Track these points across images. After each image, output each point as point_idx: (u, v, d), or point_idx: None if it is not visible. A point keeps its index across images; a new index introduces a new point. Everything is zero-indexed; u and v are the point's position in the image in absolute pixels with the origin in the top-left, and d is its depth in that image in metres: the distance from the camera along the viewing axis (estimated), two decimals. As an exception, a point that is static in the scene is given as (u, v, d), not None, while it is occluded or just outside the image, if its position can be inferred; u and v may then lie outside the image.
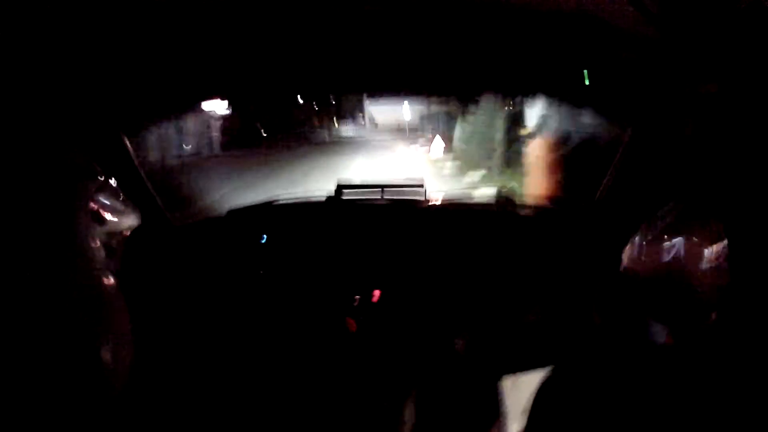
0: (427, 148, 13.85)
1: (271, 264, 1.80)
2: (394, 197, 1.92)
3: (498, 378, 1.10)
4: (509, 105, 8.62)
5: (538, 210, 1.91)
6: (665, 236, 0.80)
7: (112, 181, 0.96)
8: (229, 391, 1.60)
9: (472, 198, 2.02)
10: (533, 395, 0.70)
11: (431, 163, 12.05)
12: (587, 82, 1.30)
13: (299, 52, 1.31)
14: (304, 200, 2.00)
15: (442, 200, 1.95)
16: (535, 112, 8.10)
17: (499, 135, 9.06)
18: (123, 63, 1.19)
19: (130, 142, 1.45)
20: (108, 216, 0.92)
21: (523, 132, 8.22)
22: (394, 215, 1.87)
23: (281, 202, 2.00)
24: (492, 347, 1.58)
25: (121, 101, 1.35)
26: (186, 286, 1.72)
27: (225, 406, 1.57)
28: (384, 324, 1.75)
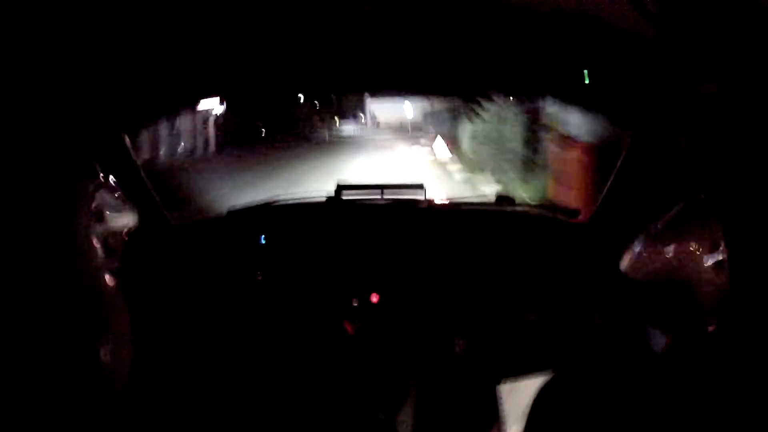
0: (429, 149, 13.67)
1: (270, 264, 1.80)
2: (394, 198, 1.92)
3: (497, 381, 1.10)
4: (516, 106, 8.38)
5: (538, 211, 1.90)
6: (665, 238, 0.80)
7: (112, 180, 0.96)
8: (229, 392, 1.61)
9: (471, 199, 2.02)
10: (532, 398, 0.70)
11: (435, 165, 11.88)
12: (587, 83, 1.30)
13: (299, 52, 1.31)
14: (303, 200, 2.00)
15: (442, 201, 1.95)
16: (536, 113, 8.07)
17: (505, 136, 8.83)
18: (123, 62, 1.19)
19: (129, 142, 1.45)
20: (108, 215, 0.92)
21: (527, 133, 8.15)
22: (393, 216, 1.87)
23: (281, 202, 2.00)
24: (492, 349, 1.58)
25: (121, 100, 1.35)
26: (185, 285, 1.72)
27: (224, 407, 1.57)
28: (383, 325, 1.74)
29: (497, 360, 1.29)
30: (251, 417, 1.59)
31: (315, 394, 1.63)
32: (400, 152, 14.70)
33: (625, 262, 0.88)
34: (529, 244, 1.73)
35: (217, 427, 1.55)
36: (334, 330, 1.71)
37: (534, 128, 8.01)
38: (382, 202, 1.91)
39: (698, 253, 0.70)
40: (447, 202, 1.96)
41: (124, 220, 0.99)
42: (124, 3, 0.98)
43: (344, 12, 1.09)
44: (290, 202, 1.99)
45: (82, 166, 0.92)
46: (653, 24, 0.98)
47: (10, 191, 0.77)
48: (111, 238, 0.90)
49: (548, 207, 1.94)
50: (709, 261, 0.68)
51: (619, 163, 1.46)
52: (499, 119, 9.18)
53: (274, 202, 1.99)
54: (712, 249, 0.68)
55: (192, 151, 13.78)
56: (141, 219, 1.07)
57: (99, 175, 0.94)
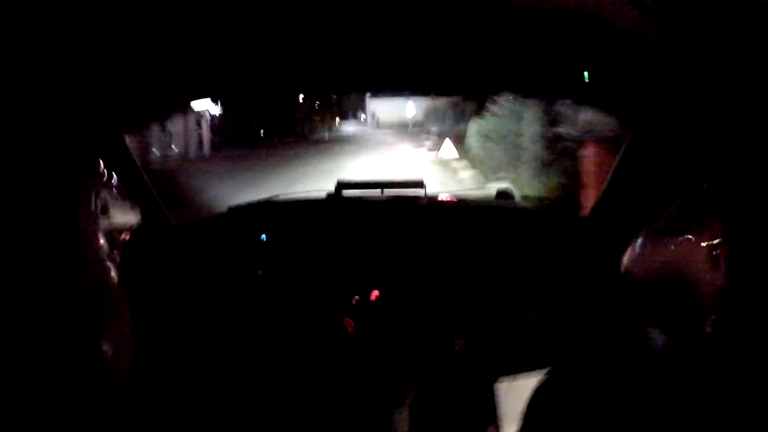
0: (436, 149, 13.16)
1: (270, 262, 1.81)
2: (394, 195, 1.92)
3: (496, 379, 1.10)
4: (527, 105, 7.94)
5: (538, 210, 1.91)
6: (665, 236, 0.80)
7: (114, 179, 0.96)
8: (228, 389, 1.61)
9: (471, 196, 2.02)
10: (530, 397, 0.70)
11: (442, 167, 11.45)
12: (587, 83, 1.30)
13: (299, 51, 1.31)
14: (303, 198, 2.00)
15: (442, 198, 1.95)
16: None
17: (521, 135, 8.29)
18: (123, 62, 1.19)
19: (130, 141, 1.45)
20: (110, 214, 0.92)
21: (532, 134, 7.99)
22: (393, 213, 1.87)
23: (281, 199, 2.00)
24: (491, 347, 1.58)
25: (121, 100, 1.35)
26: (186, 283, 1.72)
27: (224, 404, 1.57)
28: (383, 323, 1.75)
29: (496, 358, 1.29)
30: (251, 415, 1.59)
31: (314, 391, 1.63)
32: (404, 153, 14.34)
33: (625, 260, 0.88)
34: (529, 240, 1.73)
35: (217, 424, 1.56)
36: (334, 327, 1.71)
37: (539, 129, 7.90)
38: (382, 199, 1.91)
39: (697, 251, 0.70)
40: (447, 198, 1.96)
41: (126, 218, 0.99)
42: (124, 3, 0.98)
43: (344, 11, 1.09)
44: (290, 199, 2.00)
45: (84, 165, 0.92)
46: (653, 24, 0.98)
47: (13, 190, 0.77)
48: (113, 237, 0.91)
49: (549, 203, 1.94)
50: (708, 259, 0.68)
51: (618, 161, 1.47)
52: (513, 117, 8.62)
53: (275, 199, 1.99)
54: (712, 247, 0.68)
55: (191, 150, 13.74)
56: (142, 217, 1.08)
57: (101, 174, 0.94)
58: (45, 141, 0.92)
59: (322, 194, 1.94)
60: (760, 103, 0.88)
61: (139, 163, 1.51)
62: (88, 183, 0.90)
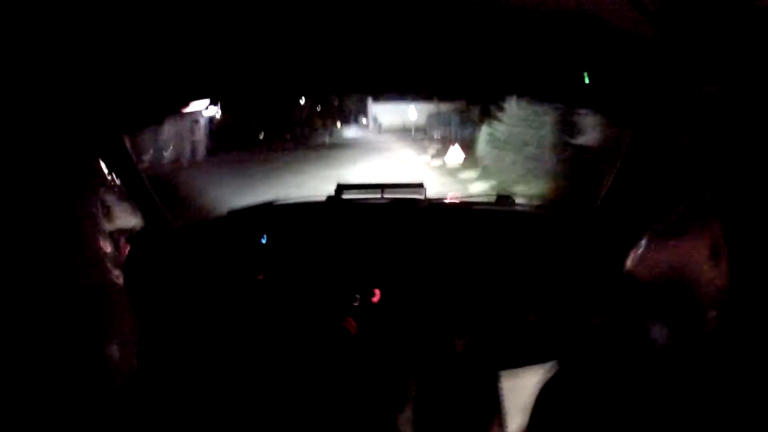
0: (442, 155, 12.57)
1: (271, 264, 1.80)
2: (394, 197, 1.92)
3: (498, 378, 1.10)
4: (541, 110, 7.62)
5: (539, 211, 1.91)
6: (667, 239, 0.80)
7: (115, 182, 0.96)
8: (231, 390, 1.60)
9: (471, 198, 2.03)
10: (533, 393, 0.70)
11: (448, 174, 10.82)
12: (587, 83, 1.30)
13: (300, 54, 1.31)
14: (304, 201, 2.00)
15: (442, 200, 1.95)
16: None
17: (534, 141, 7.95)
18: (123, 63, 1.19)
19: (130, 143, 1.45)
20: (112, 216, 0.92)
21: (549, 141, 7.83)
22: (394, 215, 1.87)
23: (281, 202, 2.00)
24: (492, 347, 1.57)
25: (121, 102, 1.35)
26: (186, 286, 1.72)
27: (226, 405, 1.57)
28: (384, 325, 1.74)
29: (498, 358, 1.29)
30: (253, 416, 1.59)
31: (317, 393, 1.63)
32: (406, 159, 13.79)
33: (628, 262, 0.88)
34: (529, 242, 1.72)
35: (220, 426, 1.55)
36: (336, 329, 1.71)
37: (539, 131, 7.79)
38: (383, 201, 1.92)
39: (698, 251, 0.70)
40: (447, 201, 1.96)
41: (127, 221, 0.99)
42: (125, 4, 0.99)
43: (345, 11, 1.10)
44: (291, 202, 2.00)
45: (85, 167, 0.92)
46: (653, 24, 0.98)
47: (15, 192, 0.77)
48: (114, 239, 0.91)
49: (548, 205, 1.94)
50: (709, 259, 0.68)
51: (619, 164, 1.46)
52: (528, 123, 8.12)
53: (275, 202, 2.00)
54: (713, 248, 0.68)
55: (191, 153, 13.71)
56: (143, 220, 1.08)
57: (102, 176, 0.94)
58: (46, 143, 0.92)
59: (322, 196, 1.95)
60: (760, 103, 0.88)
61: (139, 166, 1.51)
62: (90, 185, 0.91)
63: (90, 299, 0.82)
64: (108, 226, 0.91)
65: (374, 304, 1.75)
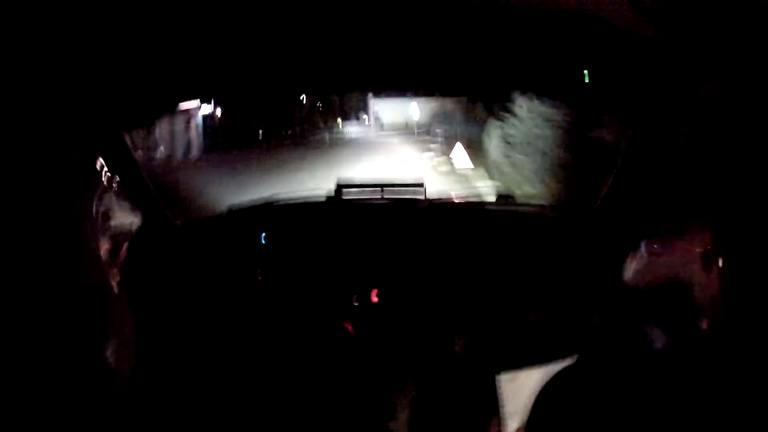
0: (443, 155, 11.94)
1: (270, 263, 1.81)
2: (394, 197, 1.92)
3: (497, 376, 1.10)
4: (554, 107, 7.50)
5: (539, 211, 1.90)
6: (661, 245, 0.80)
7: (115, 182, 0.96)
8: (230, 391, 1.61)
9: (472, 197, 2.02)
10: (532, 392, 0.70)
11: (454, 176, 10.28)
12: (587, 83, 1.30)
13: (299, 51, 1.31)
14: (304, 200, 2.00)
15: (442, 200, 1.95)
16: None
17: (545, 143, 7.80)
18: (123, 62, 1.19)
19: (130, 142, 1.45)
20: (112, 216, 0.92)
21: (564, 141, 7.61)
22: (393, 215, 1.87)
23: (281, 201, 2.00)
24: (492, 348, 1.58)
25: (121, 101, 1.35)
26: (186, 284, 1.72)
27: (226, 405, 1.57)
28: (384, 324, 1.75)
29: (497, 358, 1.29)
30: (253, 415, 1.59)
31: (316, 392, 1.63)
32: (408, 158, 13.28)
33: (627, 269, 0.88)
34: (529, 241, 1.72)
35: (220, 426, 1.56)
36: (335, 328, 1.71)
37: (539, 131, 7.63)
38: (382, 201, 1.91)
39: (691, 258, 0.70)
40: (447, 200, 1.95)
41: (127, 220, 0.99)
42: (125, 3, 0.99)
43: (345, 9, 1.09)
44: (291, 201, 2.00)
45: (85, 166, 0.92)
46: (653, 24, 0.98)
47: (14, 192, 0.77)
48: (116, 239, 0.91)
49: (549, 205, 1.93)
50: (701, 265, 0.68)
51: (619, 165, 1.46)
52: (542, 121, 7.37)
53: (275, 201, 1.99)
54: (705, 254, 0.68)
55: (190, 152, 13.63)
56: (143, 219, 1.08)
57: (102, 176, 0.94)
58: (46, 143, 0.92)
59: (322, 195, 1.94)
60: (760, 103, 0.88)
61: (139, 165, 1.51)
62: (90, 185, 0.91)
63: (90, 299, 0.82)
64: (108, 226, 0.92)
65: (373, 303, 1.75)
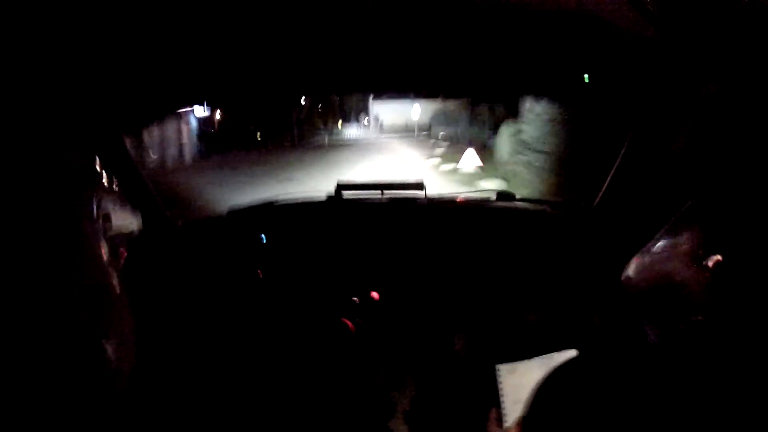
0: (450, 159, 11.21)
1: (270, 263, 1.81)
2: (394, 196, 1.92)
3: (496, 367, 1.10)
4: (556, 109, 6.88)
5: (538, 210, 1.90)
6: (664, 242, 0.80)
7: (115, 183, 0.96)
8: (231, 390, 1.61)
9: (472, 196, 2.02)
10: (531, 383, 0.70)
11: (463, 183, 9.20)
12: (587, 83, 1.30)
13: (300, 52, 1.31)
14: (303, 200, 2.00)
15: (442, 199, 1.95)
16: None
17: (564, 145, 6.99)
18: (123, 64, 1.20)
19: (130, 144, 1.45)
20: (112, 217, 0.92)
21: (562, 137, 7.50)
22: (394, 214, 1.87)
23: (281, 201, 2.00)
24: (491, 347, 1.57)
25: (121, 102, 1.35)
26: (187, 285, 1.72)
27: (226, 404, 1.57)
28: (384, 323, 1.75)
29: (496, 358, 1.29)
30: (253, 414, 1.59)
31: (317, 390, 1.63)
32: (410, 161, 12.58)
33: (626, 267, 0.89)
34: (529, 240, 1.72)
35: (220, 425, 1.56)
36: (335, 327, 1.71)
37: (538, 131, 7.48)
38: (382, 200, 1.92)
39: (684, 257, 0.71)
40: (447, 199, 1.96)
41: (127, 221, 0.99)
42: (125, 4, 0.99)
43: (345, 9, 1.10)
44: (290, 201, 2.00)
45: (85, 167, 0.92)
46: (653, 24, 0.98)
47: (13, 192, 0.77)
48: (116, 239, 0.91)
49: (548, 203, 1.93)
50: (693, 265, 0.69)
51: (619, 165, 1.46)
52: (559, 121, 7.06)
53: (275, 201, 2.00)
54: (696, 254, 0.69)
55: (189, 154, 13.60)
56: (143, 220, 1.08)
57: (101, 177, 0.95)
58: (46, 143, 0.92)
59: (322, 195, 1.95)
60: (760, 103, 0.88)
61: (139, 166, 1.51)
62: (90, 186, 0.91)
63: (90, 299, 0.82)
64: (108, 226, 0.91)
65: (374, 302, 1.76)
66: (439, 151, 13.10)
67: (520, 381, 1.04)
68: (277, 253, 1.83)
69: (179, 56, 1.24)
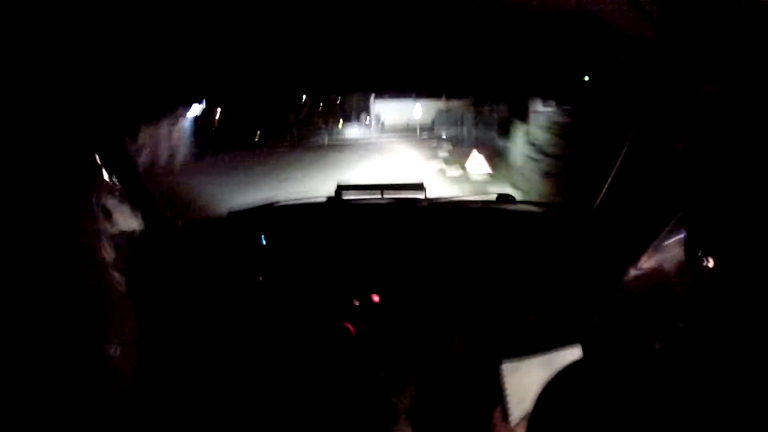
0: (455, 162, 10.60)
1: (271, 265, 1.81)
2: (394, 198, 1.92)
3: (500, 365, 1.10)
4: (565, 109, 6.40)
5: (538, 213, 1.90)
6: (664, 243, 0.80)
7: (116, 184, 0.97)
8: (231, 391, 1.61)
9: (472, 198, 2.02)
10: (535, 381, 0.70)
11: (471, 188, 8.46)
12: (587, 84, 1.30)
13: (300, 53, 1.31)
14: (304, 202, 2.00)
15: (442, 200, 1.95)
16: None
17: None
18: (123, 64, 1.20)
19: (130, 144, 1.45)
20: (114, 217, 0.93)
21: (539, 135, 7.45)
22: (394, 216, 1.87)
23: (281, 203, 2.00)
24: (492, 348, 1.58)
25: (121, 103, 1.35)
26: (187, 286, 1.72)
27: (227, 405, 1.57)
28: (385, 326, 1.75)
29: (497, 358, 1.29)
30: (253, 416, 1.59)
31: (317, 392, 1.63)
32: (412, 163, 12.16)
33: (626, 268, 0.89)
34: (529, 241, 1.72)
35: (221, 426, 1.56)
36: (336, 330, 1.71)
37: (537, 131, 7.45)
38: (383, 201, 1.91)
39: (692, 258, 0.71)
40: (447, 200, 1.95)
41: (129, 222, 0.99)
42: (125, 4, 0.99)
43: (345, 7, 1.10)
44: (291, 202, 2.00)
45: (85, 167, 0.93)
46: (653, 25, 0.98)
47: (14, 192, 0.77)
48: (116, 240, 0.91)
49: (549, 205, 1.93)
50: (702, 264, 0.69)
51: (618, 163, 1.46)
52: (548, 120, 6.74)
53: (275, 202, 2.00)
54: (705, 254, 0.69)
55: (188, 154, 13.53)
56: (144, 221, 1.08)
57: (103, 178, 0.95)
58: (46, 143, 0.92)
59: (322, 197, 1.95)
60: (760, 103, 0.88)
61: (139, 166, 1.51)
62: (90, 186, 0.91)
63: (91, 299, 0.82)
64: (109, 227, 0.92)
65: (374, 305, 1.76)
66: (443, 153, 12.54)
67: (523, 378, 1.04)
68: (277, 255, 1.82)
69: (180, 56, 1.25)
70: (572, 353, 1.12)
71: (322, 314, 1.75)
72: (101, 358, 0.81)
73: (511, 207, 1.90)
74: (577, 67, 1.28)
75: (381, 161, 12.66)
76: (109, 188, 0.96)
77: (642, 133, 1.35)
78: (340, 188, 1.93)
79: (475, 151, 9.29)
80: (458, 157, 10.64)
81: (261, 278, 1.79)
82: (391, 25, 1.15)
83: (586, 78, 1.32)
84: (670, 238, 0.78)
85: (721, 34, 0.89)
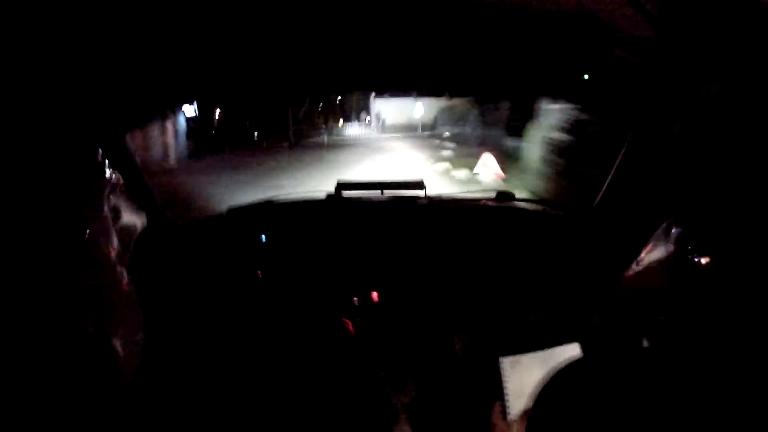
0: (458, 163, 9.93)
1: (270, 262, 1.81)
2: (394, 195, 1.92)
3: (500, 360, 1.11)
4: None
5: (538, 211, 1.91)
6: (663, 242, 0.80)
7: (118, 181, 0.97)
8: (231, 388, 1.61)
9: (472, 195, 2.02)
10: (535, 376, 0.71)
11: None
12: (587, 84, 1.30)
13: (300, 52, 1.32)
14: (303, 199, 2.00)
15: (442, 198, 1.95)
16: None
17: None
18: (123, 63, 1.20)
19: (130, 143, 1.46)
20: (116, 216, 0.93)
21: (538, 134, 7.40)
22: (393, 214, 1.88)
23: (281, 200, 2.00)
24: (491, 347, 1.58)
25: (122, 102, 1.35)
26: (187, 284, 1.73)
27: (227, 403, 1.58)
28: (384, 323, 1.75)
29: (496, 354, 1.30)
30: (253, 413, 1.60)
31: (317, 390, 1.64)
32: (414, 163, 11.73)
33: (625, 267, 0.89)
34: (529, 240, 1.73)
35: (221, 423, 1.56)
36: (335, 327, 1.72)
37: (538, 132, 7.42)
38: (382, 199, 1.92)
39: (691, 257, 0.71)
40: (447, 198, 1.96)
41: (131, 220, 1.00)
42: (126, 4, 0.99)
43: (343, 12, 1.10)
44: (290, 200, 2.00)
45: (85, 167, 0.93)
46: (653, 25, 0.98)
47: (15, 192, 0.78)
48: (118, 239, 0.91)
49: (548, 203, 1.93)
50: (701, 264, 0.69)
51: (618, 162, 1.46)
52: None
53: (275, 200, 2.00)
54: (704, 254, 0.69)
55: (187, 153, 13.53)
56: (145, 219, 1.09)
57: (104, 176, 0.95)
58: (46, 143, 0.93)
59: (322, 194, 1.95)
60: (760, 103, 0.88)
61: (140, 165, 1.51)
62: (91, 185, 0.91)
63: (93, 298, 0.83)
64: (111, 226, 0.92)
65: (373, 302, 1.76)
66: (446, 153, 12.11)
67: (523, 374, 1.05)
68: (276, 252, 1.83)
69: (180, 55, 1.25)
70: (571, 350, 1.13)
71: (322, 312, 1.75)
72: (104, 356, 0.82)
73: (511, 205, 1.90)
74: (577, 67, 1.28)
75: (381, 161, 12.63)
76: (111, 187, 0.96)
77: (641, 133, 1.35)
78: (340, 186, 1.93)
79: (485, 154, 8.60)
80: (462, 157, 10.39)
81: (260, 275, 1.79)
82: (391, 24, 1.16)
83: (586, 77, 1.32)
84: (668, 236, 0.78)
85: (721, 34, 0.90)
